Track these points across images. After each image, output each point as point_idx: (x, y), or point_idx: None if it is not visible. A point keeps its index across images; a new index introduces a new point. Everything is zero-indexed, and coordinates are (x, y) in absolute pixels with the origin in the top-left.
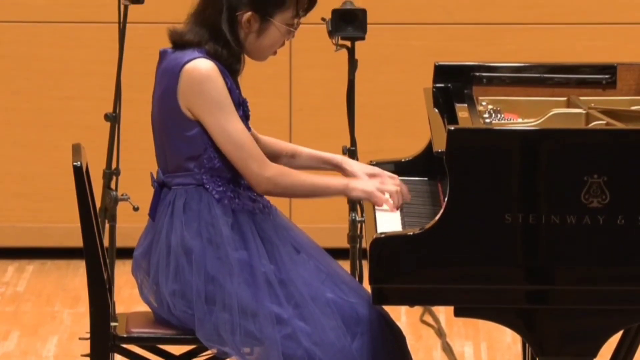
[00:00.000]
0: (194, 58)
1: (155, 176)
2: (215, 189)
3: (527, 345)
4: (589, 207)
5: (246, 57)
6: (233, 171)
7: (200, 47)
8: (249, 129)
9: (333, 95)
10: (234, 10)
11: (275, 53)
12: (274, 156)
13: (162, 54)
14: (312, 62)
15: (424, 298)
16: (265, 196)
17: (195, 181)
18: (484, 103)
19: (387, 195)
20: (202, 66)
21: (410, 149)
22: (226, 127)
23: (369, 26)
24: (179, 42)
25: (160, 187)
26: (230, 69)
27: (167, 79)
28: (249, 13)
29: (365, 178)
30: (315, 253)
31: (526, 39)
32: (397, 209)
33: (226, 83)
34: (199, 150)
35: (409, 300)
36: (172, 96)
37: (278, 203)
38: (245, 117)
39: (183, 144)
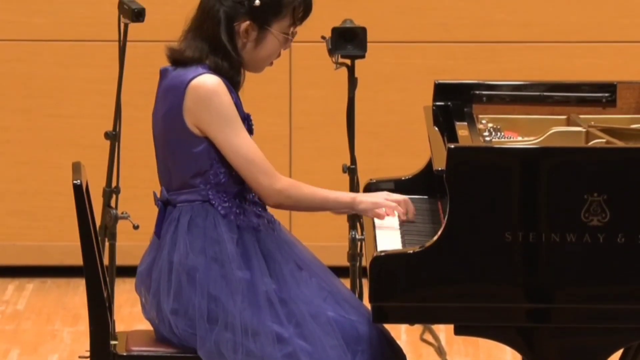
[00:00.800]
0: (199, 74)
1: (158, 195)
2: (221, 205)
3: None
4: (589, 225)
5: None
6: (239, 186)
7: (202, 63)
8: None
9: (333, 114)
10: (232, 21)
11: (271, 64)
12: None
13: (163, 73)
14: (312, 80)
15: (424, 316)
16: (274, 210)
17: (201, 197)
18: (484, 121)
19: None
20: (208, 82)
21: (410, 167)
22: (235, 141)
23: (369, 44)
24: (180, 60)
25: (165, 205)
26: (232, 81)
27: (172, 97)
28: (247, 22)
29: (361, 195)
30: (318, 270)
31: (526, 57)
32: (406, 217)
33: (232, 98)
34: (206, 166)
35: (409, 318)
36: (177, 114)
37: (279, 219)
38: (249, 132)
39: (189, 160)
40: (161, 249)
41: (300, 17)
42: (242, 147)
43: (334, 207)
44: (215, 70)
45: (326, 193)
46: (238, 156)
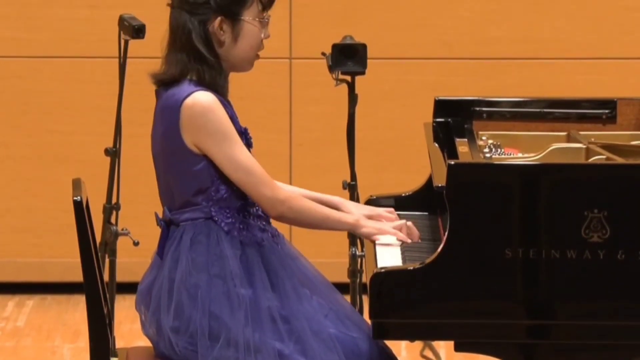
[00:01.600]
0: (192, 92)
1: (160, 215)
2: (224, 221)
3: None
4: (589, 241)
5: (244, 88)
6: (241, 200)
7: (189, 78)
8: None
9: (333, 130)
10: (203, 25)
11: (257, 57)
12: None
13: (157, 94)
14: (312, 97)
15: (424, 333)
16: (277, 222)
17: (203, 215)
18: (484, 138)
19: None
20: (201, 99)
21: (410, 184)
22: (233, 155)
23: (369, 61)
24: (165, 79)
25: (167, 225)
26: (217, 88)
27: (168, 117)
28: (219, 18)
29: (364, 219)
30: (321, 285)
31: (526, 73)
32: (409, 240)
33: (227, 112)
34: (207, 184)
35: (410, 334)
36: (175, 133)
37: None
38: (247, 146)
39: (190, 179)
40: (162, 267)
41: (265, 1)
42: (241, 160)
43: (334, 227)
44: (199, 81)
45: (327, 211)
46: (237, 170)
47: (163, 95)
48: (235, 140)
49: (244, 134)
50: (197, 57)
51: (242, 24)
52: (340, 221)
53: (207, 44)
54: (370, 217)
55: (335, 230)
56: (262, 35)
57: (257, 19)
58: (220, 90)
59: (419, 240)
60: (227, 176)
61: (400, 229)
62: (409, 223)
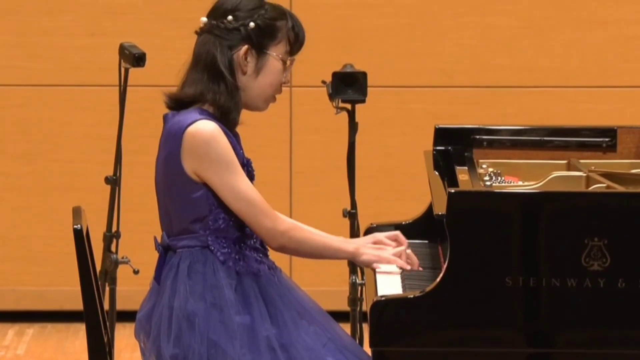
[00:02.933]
0: (196, 120)
1: (159, 240)
2: (220, 251)
3: None
4: (589, 270)
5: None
6: (239, 232)
7: (201, 105)
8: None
9: (333, 158)
10: (229, 50)
11: (274, 99)
12: None
13: (165, 119)
14: (313, 125)
15: None
16: (275, 256)
17: (200, 243)
18: (484, 166)
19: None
20: (204, 128)
21: (410, 212)
22: (235, 185)
23: (369, 89)
24: (179, 99)
25: (165, 250)
26: (229, 116)
27: (171, 143)
28: (245, 47)
29: (363, 247)
30: (318, 316)
31: (526, 102)
32: (410, 268)
33: (230, 142)
34: (205, 212)
35: None
36: (176, 159)
37: (279, 265)
38: (250, 178)
39: (188, 206)
40: (162, 295)
41: (296, 45)
42: (241, 190)
43: (335, 255)
44: (211, 104)
45: (327, 239)
46: (238, 200)
47: (169, 121)
48: (237, 170)
49: (246, 166)
50: (216, 78)
51: (266, 58)
52: (340, 249)
53: (229, 68)
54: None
55: (335, 259)
56: (283, 77)
57: (281, 58)
58: (230, 118)
59: (420, 269)
60: (227, 206)
61: (399, 255)
62: (409, 250)
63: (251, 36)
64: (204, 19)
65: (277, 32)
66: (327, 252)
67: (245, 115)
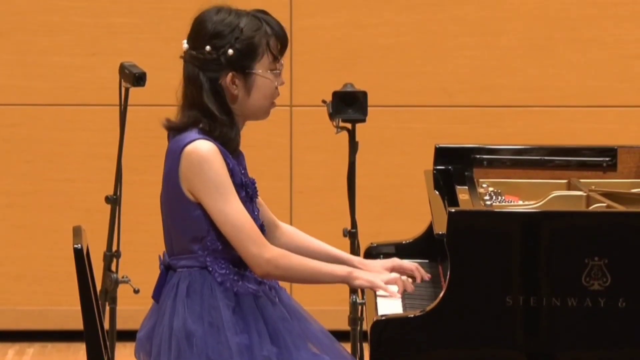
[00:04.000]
0: (194, 140)
1: (162, 258)
2: (217, 272)
3: None
4: (589, 289)
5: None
6: (237, 253)
7: (200, 127)
8: (256, 210)
9: (334, 178)
10: (215, 81)
11: (274, 104)
12: (294, 248)
13: (169, 138)
14: (313, 144)
15: None
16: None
17: (199, 264)
18: (484, 185)
19: (392, 288)
20: (201, 148)
21: (411, 231)
22: (223, 208)
23: (369, 108)
24: (177, 128)
25: (166, 269)
26: (226, 141)
27: (170, 162)
28: (230, 74)
29: (357, 270)
30: (320, 335)
31: (526, 121)
32: (401, 295)
33: (227, 164)
34: (203, 232)
35: None
36: (174, 178)
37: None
38: (249, 198)
39: (187, 225)
40: (162, 315)
41: (279, 49)
42: (230, 214)
43: (326, 280)
44: (209, 132)
45: (318, 265)
46: (226, 223)
47: (171, 139)
48: (228, 193)
49: (245, 186)
50: (207, 115)
51: (254, 77)
52: (332, 274)
53: (218, 101)
54: (392, 270)
55: (328, 283)
56: (276, 84)
57: (268, 71)
58: (229, 143)
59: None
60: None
61: (394, 282)
62: (404, 277)
63: (233, 62)
64: (185, 45)
65: (257, 48)
66: (318, 277)
67: (245, 134)
